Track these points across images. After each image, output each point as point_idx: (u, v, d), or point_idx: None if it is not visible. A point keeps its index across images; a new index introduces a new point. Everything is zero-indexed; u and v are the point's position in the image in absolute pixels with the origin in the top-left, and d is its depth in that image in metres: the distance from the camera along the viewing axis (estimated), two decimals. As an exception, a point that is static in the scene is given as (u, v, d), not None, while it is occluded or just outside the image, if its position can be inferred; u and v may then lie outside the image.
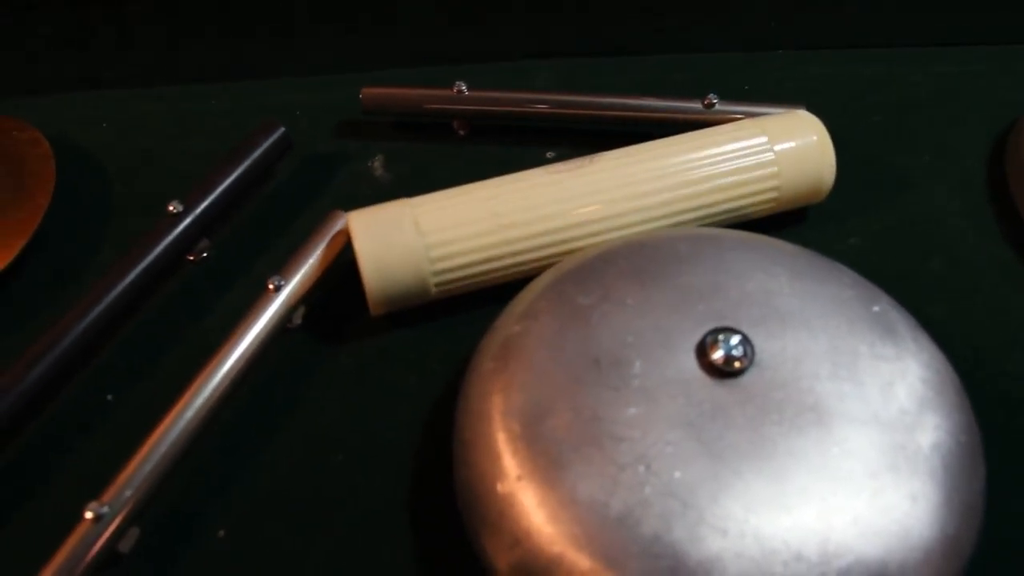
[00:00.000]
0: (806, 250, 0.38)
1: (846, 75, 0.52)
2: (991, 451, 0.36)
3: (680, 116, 0.45)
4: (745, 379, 0.33)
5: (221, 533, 0.35)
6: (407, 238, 0.39)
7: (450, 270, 0.39)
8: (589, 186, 0.40)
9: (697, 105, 0.45)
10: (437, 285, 0.40)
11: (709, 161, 0.41)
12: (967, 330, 0.41)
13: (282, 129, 0.45)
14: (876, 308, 0.35)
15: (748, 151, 0.42)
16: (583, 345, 0.34)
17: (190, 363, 0.37)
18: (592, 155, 0.41)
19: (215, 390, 0.37)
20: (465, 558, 0.33)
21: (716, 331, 0.33)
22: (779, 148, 0.42)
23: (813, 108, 0.45)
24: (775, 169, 0.42)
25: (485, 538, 0.32)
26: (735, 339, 0.33)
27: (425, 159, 0.48)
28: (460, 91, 0.46)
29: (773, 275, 0.36)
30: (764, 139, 0.42)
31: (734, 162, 0.41)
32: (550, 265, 0.40)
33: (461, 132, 0.48)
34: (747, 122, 0.43)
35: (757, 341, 0.33)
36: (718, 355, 0.33)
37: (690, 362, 0.33)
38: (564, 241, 0.40)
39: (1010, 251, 0.44)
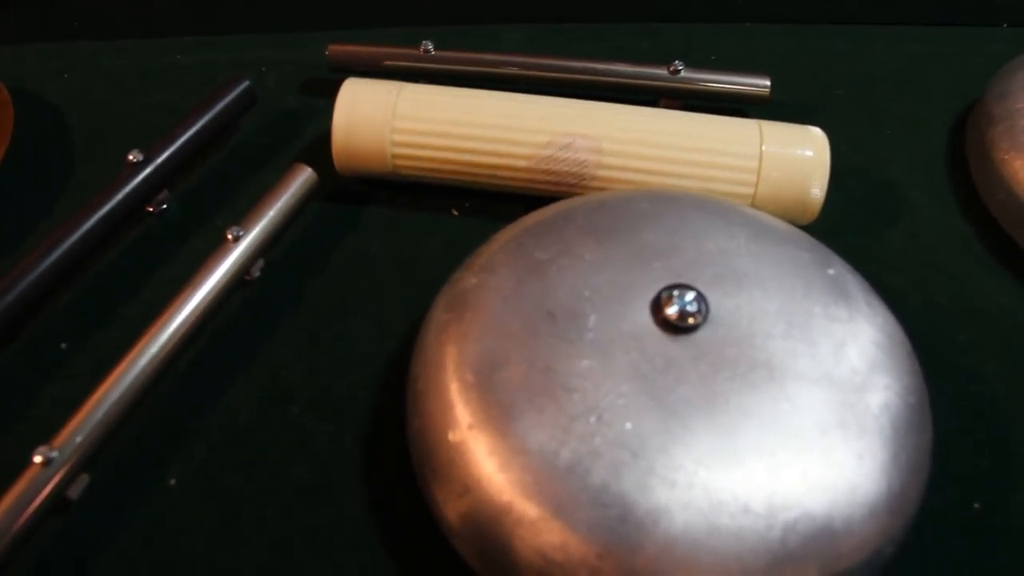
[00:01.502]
0: (764, 214, 0.38)
1: (813, 49, 0.53)
2: (940, 416, 0.37)
3: (646, 82, 0.45)
4: (699, 335, 0.33)
5: (172, 481, 0.35)
6: (380, 111, 0.41)
7: (409, 145, 0.42)
8: (567, 118, 0.41)
9: (663, 71, 0.45)
10: (395, 157, 0.42)
11: (693, 134, 0.41)
12: (923, 300, 0.42)
13: (246, 83, 0.45)
14: (831, 271, 0.35)
15: (735, 142, 0.41)
16: (539, 298, 0.34)
17: (147, 313, 0.37)
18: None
19: (170, 338, 0.36)
20: (417, 509, 0.33)
21: (671, 287, 0.33)
22: (768, 148, 0.41)
23: (777, 81, 0.45)
24: (754, 164, 0.41)
25: (435, 487, 0.32)
26: (690, 295, 0.33)
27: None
28: (427, 51, 0.46)
29: (731, 236, 0.36)
30: (756, 134, 0.41)
31: (716, 145, 0.41)
32: (510, 181, 0.42)
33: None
34: (749, 121, 0.42)
35: (712, 298, 0.33)
36: (672, 311, 0.33)
37: (645, 317, 0.33)
38: (519, 156, 0.41)
39: (968, 225, 0.44)
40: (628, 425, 0.30)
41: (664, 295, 0.33)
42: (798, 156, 0.41)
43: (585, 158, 0.41)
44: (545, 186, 0.42)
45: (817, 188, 0.41)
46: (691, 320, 0.33)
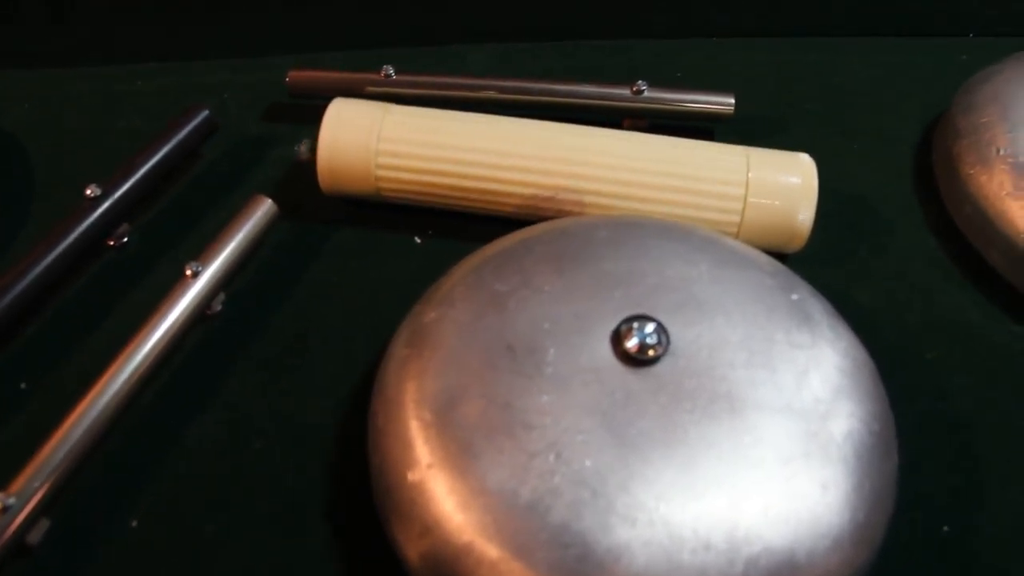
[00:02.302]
0: (728, 238, 0.38)
1: (782, 64, 0.53)
2: (907, 437, 0.37)
3: (608, 103, 0.45)
4: (659, 367, 0.32)
5: (134, 523, 0.34)
6: (365, 133, 0.42)
7: (393, 168, 0.42)
8: (552, 160, 0.41)
9: (626, 91, 0.45)
10: (379, 180, 0.42)
11: (678, 162, 0.41)
12: (891, 317, 0.41)
13: (206, 112, 0.44)
14: (795, 296, 0.35)
15: (722, 169, 0.41)
16: (498, 332, 0.33)
17: (108, 351, 0.36)
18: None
19: (129, 378, 0.36)
20: (382, 547, 0.32)
21: (631, 319, 0.33)
22: (754, 175, 0.40)
23: (746, 95, 0.45)
24: (740, 191, 0.40)
25: (396, 527, 0.31)
26: (650, 327, 0.33)
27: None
28: (387, 75, 0.45)
29: (693, 262, 0.35)
30: (743, 161, 0.41)
31: (702, 173, 0.40)
32: (492, 205, 0.42)
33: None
34: (737, 148, 0.42)
35: (673, 329, 0.33)
36: (632, 343, 0.32)
37: (605, 350, 0.33)
38: (503, 194, 0.41)
39: (936, 240, 0.44)
40: (588, 462, 0.30)
41: (624, 327, 0.33)
42: (785, 183, 0.40)
43: (570, 199, 0.41)
44: (530, 213, 0.42)
45: (804, 215, 0.40)
46: (651, 352, 0.32)
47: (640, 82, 0.45)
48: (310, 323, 0.40)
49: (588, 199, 0.41)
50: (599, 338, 0.33)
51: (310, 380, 0.39)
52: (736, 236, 0.41)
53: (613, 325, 0.33)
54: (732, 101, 0.45)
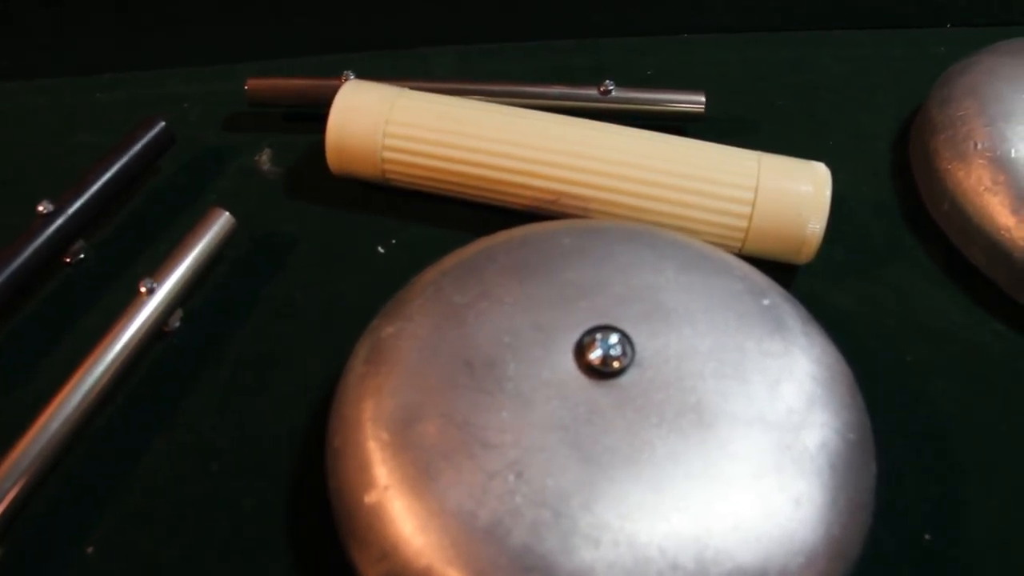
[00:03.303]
0: (697, 241, 0.36)
1: (754, 59, 0.51)
2: (888, 442, 0.35)
3: (576, 103, 0.44)
4: (624, 379, 0.31)
5: (90, 550, 0.33)
6: (373, 117, 0.41)
7: (400, 151, 0.41)
8: (554, 139, 0.40)
9: (593, 92, 0.44)
10: (385, 162, 0.42)
11: (688, 166, 0.39)
12: (870, 318, 0.40)
13: (162, 124, 0.43)
14: (766, 301, 0.34)
15: (731, 174, 0.39)
16: (457, 346, 0.32)
17: (63, 371, 0.35)
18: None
19: (83, 400, 0.35)
20: (343, 572, 0.31)
21: (594, 330, 0.32)
22: (764, 182, 0.39)
23: (717, 93, 0.44)
24: (749, 196, 0.39)
25: (355, 551, 0.30)
26: (614, 338, 0.32)
27: (315, 151, 0.46)
28: (348, 80, 0.44)
29: (659, 269, 0.34)
30: (754, 167, 0.39)
31: (710, 177, 0.39)
32: (497, 197, 0.42)
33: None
34: (750, 153, 0.40)
35: (639, 339, 0.32)
36: (596, 355, 0.31)
37: (568, 363, 0.32)
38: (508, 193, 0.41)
39: (914, 238, 0.43)
40: (549, 481, 0.29)
41: (586, 339, 0.32)
42: (796, 191, 0.39)
43: (574, 194, 0.40)
44: (533, 206, 0.42)
45: (815, 225, 0.38)
46: (616, 364, 0.31)
47: (608, 82, 0.43)
48: (270, 340, 0.39)
49: (591, 193, 0.40)
50: (562, 351, 0.32)
51: (270, 399, 0.37)
52: (743, 243, 0.39)
53: (576, 337, 0.32)
54: (703, 100, 0.44)
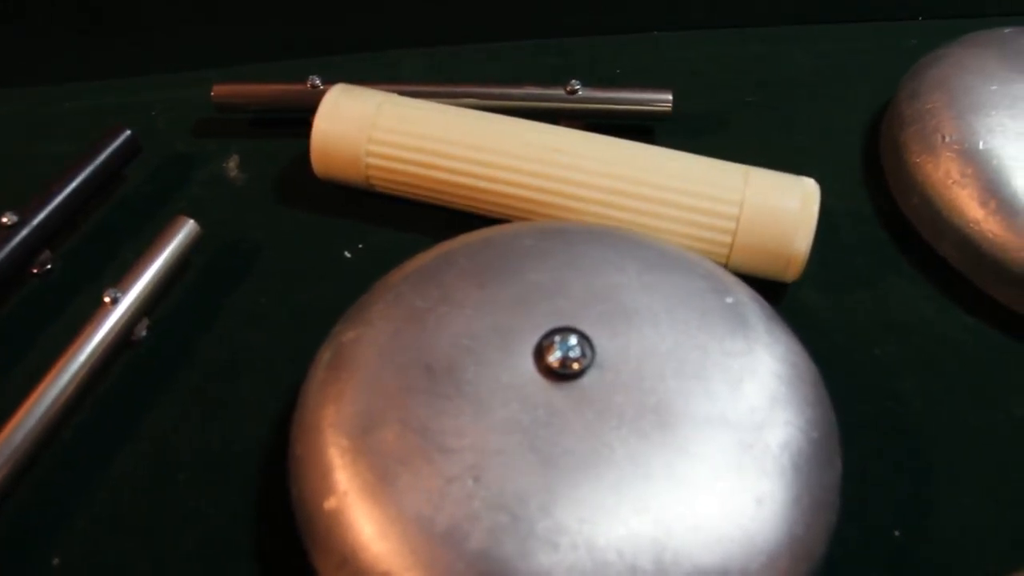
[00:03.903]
0: (660, 241, 0.36)
1: (724, 56, 0.51)
2: (857, 440, 0.35)
3: (542, 104, 0.44)
4: (584, 381, 0.31)
5: (56, 561, 0.33)
6: (360, 118, 0.41)
7: (384, 157, 0.41)
8: (536, 148, 0.40)
9: (560, 92, 0.43)
10: (369, 167, 0.42)
11: (673, 177, 0.39)
12: (840, 315, 0.40)
13: (128, 133, 0.43)
14: (729, 299, 0.34)
15: (717, 188, 0.38)
16: (417, 351, 0.32)
17: (31, 383, 0.35)
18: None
19: (47, 410, 0.34)
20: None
21: (553, 332, 0.32)
22: (751, 197, 0.38)
23: (687, 91, 0.43)
24: (735, 211, 0.38)
25: (316, 558, 0.30)
26: (573, 339, 0.31)
27: (283, 157, 0.46)
28: (314, 85, 0.44)
29: (621, 269, 0.34)
30: (741, 181, 0.38)
31: (696, 190, 0.38)
32: (479, 205, 0.41)
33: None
34: (738, 167, 0.39)
35: (599, 341, 0.32)
36: (555, 357, 0.31)
37: (527, 365, 0.31)
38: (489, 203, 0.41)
39: (885, 233, 0.43)
40: (507, 485, 0.29)
41: (545, 341, 0.31)
42: (782, 207, 0.38)
43: (556, 204, 0.40)
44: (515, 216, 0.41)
45: (801, 243, 0.38)
46: (575, 366, 0.31)
47: (574, 81, 0.43)
48: (237, 348, 0.39)
49: (576, 205, 0.39)
50: (521, 353, 0.32)
51: (237, 408, 0.37)
52: (728, 259, 0.39)
53: (536, 339, 0.32)
54: (670, 98, 0.44)
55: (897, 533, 0.34)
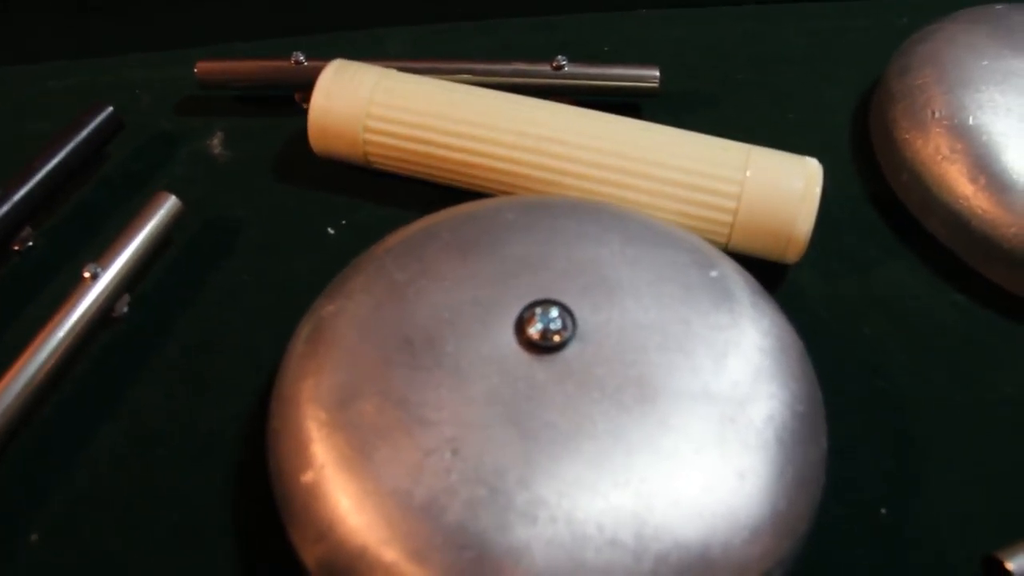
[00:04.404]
0: (645, 214, 0.36)
1: (713, 33, 0.51)
2: (843, 417, 0.35)
3: (528, 80, 0.43)
4: (565, 354, 0.31)
5: (34, 537, 0.33)
6: (358, 94, 0.41)
7: (383, 133, 0.41)
8: (533, 125, 0.39)
9: (546, 68, 0.43)
10: (367, 143, 0.41)
11: (674, 155, 0.38)
12: (828, 292, 0.40)
13: (109, 109, 0.42)
14: (714, 273, 0.33)
15: (718, 166, 0.38)
16: (397, 324, 0.32)
17: (10, 359, 0.34)
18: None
19: (26, 387, 0.34)
20: (288, 556, 0.30)
21: (534, 304, 0.31)
22: (752, 175, 0.37)
23: (676, 68, 0.43)
24: (736, 190, 0.37)
25: (293, 532, 0.30)
26: (554, 312, 0.31)
27: (267, 134, 0.46)
28: (298, 61, 0.44)
29: (604, 242, 0.34)
30: (743, 159, 0.38)
31: (696, 168, 0.38)
32: (476, 182, 0.41)
33: (305, 105, 0.45)
34: (740, 145, 0.39)
35: (581, 313, 0.31)
36: (535, 329, 0.31)
37: (508, 338, 0.31)
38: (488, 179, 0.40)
39: (873, 210, 0.42)
40: (486, 458, 0.28)
41: (526, 313, 0.31)
42: (785, 186, 0.37)
43: (549, 180, 0.40)
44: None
45: (802, 223, 0.37)
46: (556, 338, 0.30)
47: (560, 57, 0.43)
48: (219, 324, 0.39)
49: (571, 181, 0.39)
50: (502, 326, 0.31)
51: (218, 385, 0.37)
52: (728, 239, 0.38)
53: (517, 312, 0.31)
54: (656, 74, 0.43)
55: (884, 511, 0.33)
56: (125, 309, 0.38)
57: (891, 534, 0.33)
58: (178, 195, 0.40)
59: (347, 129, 0.41)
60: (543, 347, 0.30)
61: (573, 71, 0.43)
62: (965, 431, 0.36)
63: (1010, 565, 0.31)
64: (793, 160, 0.38)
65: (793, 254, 0.38)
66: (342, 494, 0.28)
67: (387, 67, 0.43)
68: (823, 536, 0.32)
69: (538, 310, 0.31)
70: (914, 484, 0.34)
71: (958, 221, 0.39)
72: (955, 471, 0.35)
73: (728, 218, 0.38)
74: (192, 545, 0.33)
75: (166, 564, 0.32)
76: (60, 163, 0.41)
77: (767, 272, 0.37)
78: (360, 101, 0.41)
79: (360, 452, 0.29)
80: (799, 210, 0.37)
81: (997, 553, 0.31)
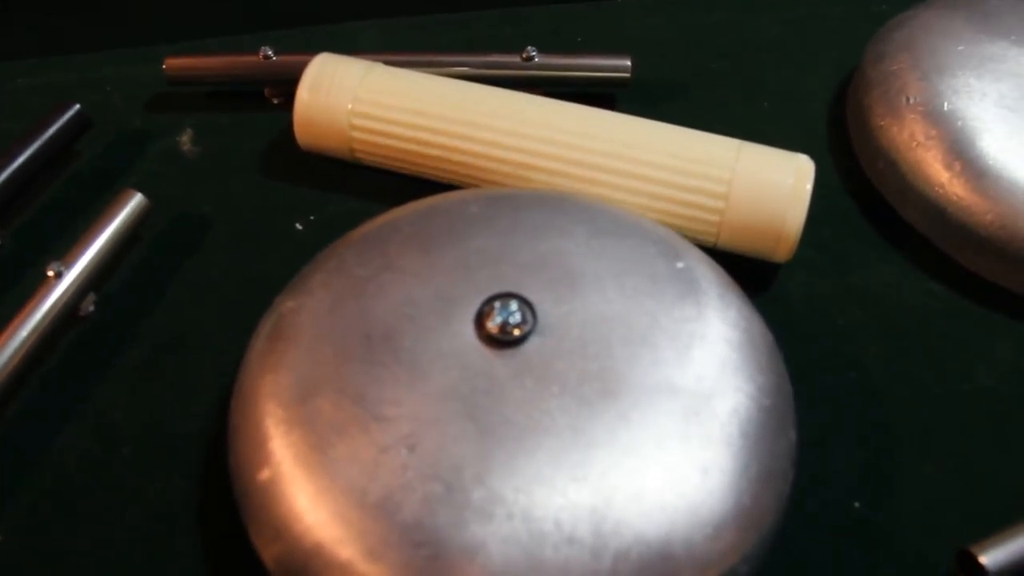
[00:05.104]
0: (611, 207, 0.35)
1: (688, 23, 0.50)
2: (817, 410, 0.35)
3: (497, 72, 0.43)
4: (526, 348, 0.30)
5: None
6: (341, 91, 0.40)
7: (368, 131, 0.40)
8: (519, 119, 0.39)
9: (515, 59, 0.42)
10: (354, 131, 0.41)
11: (662, 150, 0.37)
12: (802, 283, 0.39)
13: (76, 107, 0.42)
14: (680, 264, 0.33)
15: (707, 162, 0.37)
16: (356, 319, 0.31)
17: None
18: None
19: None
20: (252, 557, 0.30)
21: (494, 298, 0.31)
22: (742, 171, 0.37)
23: (650, 58, 0.42)
24: (723, 189, 0.37)
25: (252, 531, 0.30)
26: (513, 305, 0.30)
27: (238, 131, 0.45)
28: (267, 56, 0.43)
29: (569, 234, 0.33)
30: (733, 155, 0.37)
31: (685, 165, 0.37)
32: (463, 179, 0.40)
33: (275, 100, 0.45)
34: (731, 141, 0.38)
35: (542, 306, 0.31)
36: (494, 323, 0.30)
37: (468, 332, 0.30)
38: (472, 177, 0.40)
39: (849, 199, 0.42)
40: (443, 454, 0.28)
41: (485, 307, 0.31)
42: (774, 182, 0.36)
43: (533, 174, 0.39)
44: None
45: (792, 221, 0.36)
46: (516, 332, 0.30)
47: (530, 48, 0.42)
48: (186, 322, 0.38)
49: (556, 180, 0.38)
50: (462, 320, 0.31)
51: (184, 383, 0.36)
52: (717, 237, 0.37)
53: (477, 306, 0.31)
54: (628, 63, 0.43)
55: (857, 505, 0.33)
56: (92, 308, 0.38)
57: (864, 528, 0.32)
58: (148, 192, 0.39)
59: (334, 122, 0.40)
60: (503, 341, 0.30)
61: (543, 62, 0.42)
62: (941, 423, 0.35)
63: (984, 559, 0.30)
64: (783, 156, 0.37)
65: (783, 253, 0.37)
66: (298, 492, 0.28)
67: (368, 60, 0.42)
68: (795, 531, 0.32)
69: (497, 304, 0.30)
70: (888, 477, 0.34)
71: (934, 208, 0.38)
72: (930, 463, 0.34)
73: (716, 217, 0.37)
74: (158, 545, 0.32)
75: (131, 564, 0.32)
76: (26, 162, 0.41)
77: (739, 264, 0.37)
78: (347, 94, 0.40)
79: (316, 449, 0.28)
80: (788, 207, 0.36)
81: (971, 547, 0.31)
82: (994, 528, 0.31)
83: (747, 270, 0.36)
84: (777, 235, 0.37)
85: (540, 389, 0.29)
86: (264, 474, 0.29)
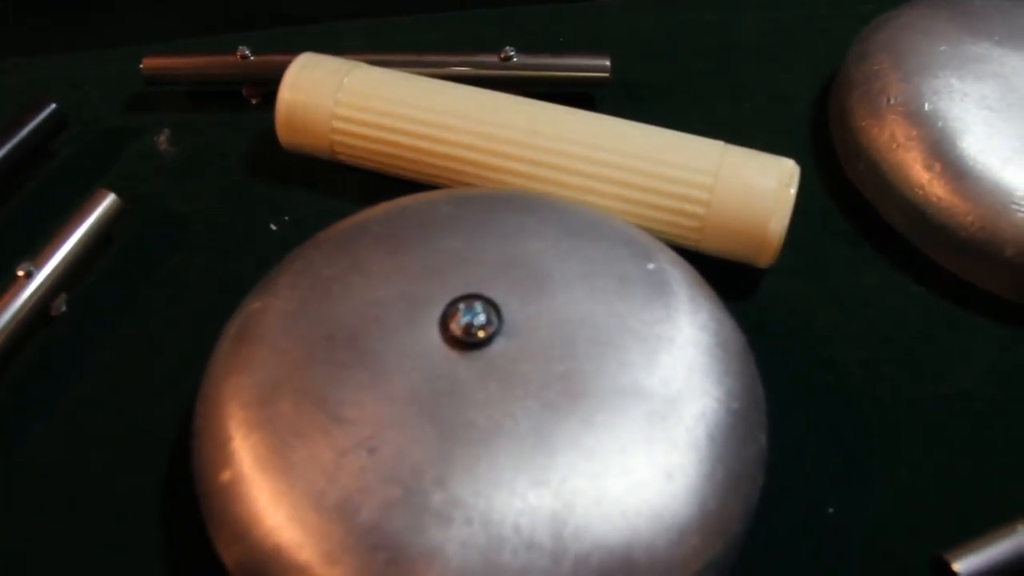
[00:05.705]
0: (583, 208, 0.35)
1: (672, 23, 0.50)
2: (791, 413, 0.34)
3: (475, 71, 0.42)
4: (490, 350, 0.30)
5: (-35, 542, 0.32)
6: (323, 92, 0.40)
7: (348, 132, 0.40)
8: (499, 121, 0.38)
9: (493, 59, 0.42)
10: (335, 144, 0.41)
11: (645, 151, 0.37)
12: (781, 285, 0.39)
13: (52, 106, 0.42)
14: (651, 266, 0.32)
15: (690, 165, 0.36)
16: (321, 321, 0.31)
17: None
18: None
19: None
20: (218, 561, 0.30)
21: (459, 299, 0.30)
22: (725, 174, 0.36)
23: (633, 59, 0.42)
24: (706, 196, 0.36)
25: (214, 534, 0.29)
26: (478, 307, 0.30)
27: (215, 131, 0.45)
28: (244, 56, 0.43)
29: (539, 235, 0.33)
30: (716, 158, 0.36)
31: (667, 170, 0.36)
32: (443, 180, 0.40)
33: (253, 100, 0.45)
34: (715, 143, 0.37)
35: (509, 308, 0.31)
36: (459, 325, 0.30)
37: (432, 334, 0.30)
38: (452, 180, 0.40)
39: (830, 200, 0.41)
40: (403, 457, 0.28)
41: (450, 309, 0.30)
42: (758, 186, 0.36)
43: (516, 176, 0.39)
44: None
45: (775, 225, 0.36)
46: (480, 334, 0.30)
47: (508, 48, 0.42)
48: (158, 323, 0.38)
49: (535, 184, 0.38)
50: (427, 322, 0.30)
51: (156, 385, 0.36)
52: (699, 239, 0.37)
53: (442, 307, 0.31)
54: (607, 63, 0.42)
55: (831, 510, 0.32)
56: (63, 308, 0.37)
57: (838, 534, 0.32)
58: (125, 192, 0.39)
59: (315, 121, 0.40)
60: (467, 343, 0.30)
61: (521, 62, 0.42)
62: (917, 427, 0.35)
63: (957, 566, 0.30)
64: (768, 160, 0.37)
65: (766, 258, 0.37)
66: (258, 494, 0.28)
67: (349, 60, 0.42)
68: (767, 536, 0.31)
69: (462, 305, 0.30)
70: (862, 482, 0.33)
71: (914, 209, 0.38)
72: (906, 467, 0.34)
73: (697, 223, 0.36)
74: (127, 546, 0.32)
75: (99, 564, 0.32)
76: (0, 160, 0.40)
77: (717, 266, 0.36)
78: (329, 94, 0.40)
79: (276, 452, 0.28)
80: (772, 211, 0.36)
81: (945, 554, 0.30)
82: (970, 533, 0.30)
83: (725, 272, 0.36)
84: (760, 241, 0.36)
85: (504, 392, 0.29)
86: (225, 476, 0.29)
